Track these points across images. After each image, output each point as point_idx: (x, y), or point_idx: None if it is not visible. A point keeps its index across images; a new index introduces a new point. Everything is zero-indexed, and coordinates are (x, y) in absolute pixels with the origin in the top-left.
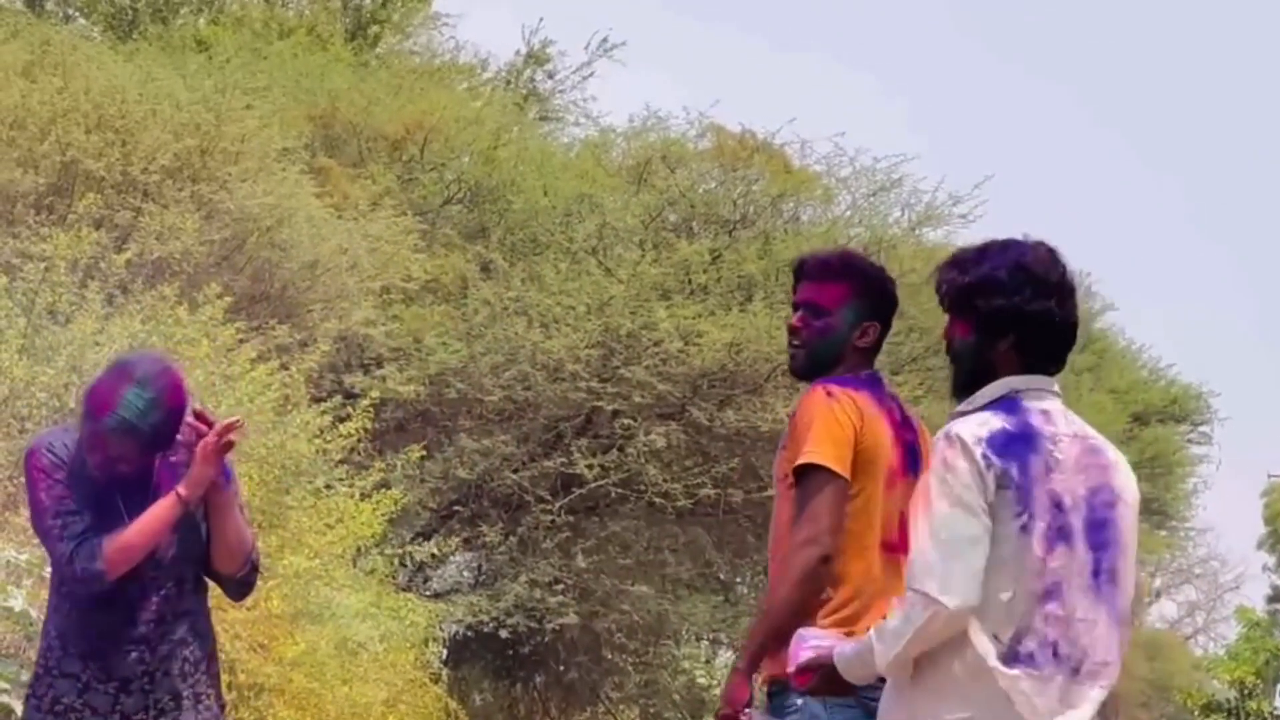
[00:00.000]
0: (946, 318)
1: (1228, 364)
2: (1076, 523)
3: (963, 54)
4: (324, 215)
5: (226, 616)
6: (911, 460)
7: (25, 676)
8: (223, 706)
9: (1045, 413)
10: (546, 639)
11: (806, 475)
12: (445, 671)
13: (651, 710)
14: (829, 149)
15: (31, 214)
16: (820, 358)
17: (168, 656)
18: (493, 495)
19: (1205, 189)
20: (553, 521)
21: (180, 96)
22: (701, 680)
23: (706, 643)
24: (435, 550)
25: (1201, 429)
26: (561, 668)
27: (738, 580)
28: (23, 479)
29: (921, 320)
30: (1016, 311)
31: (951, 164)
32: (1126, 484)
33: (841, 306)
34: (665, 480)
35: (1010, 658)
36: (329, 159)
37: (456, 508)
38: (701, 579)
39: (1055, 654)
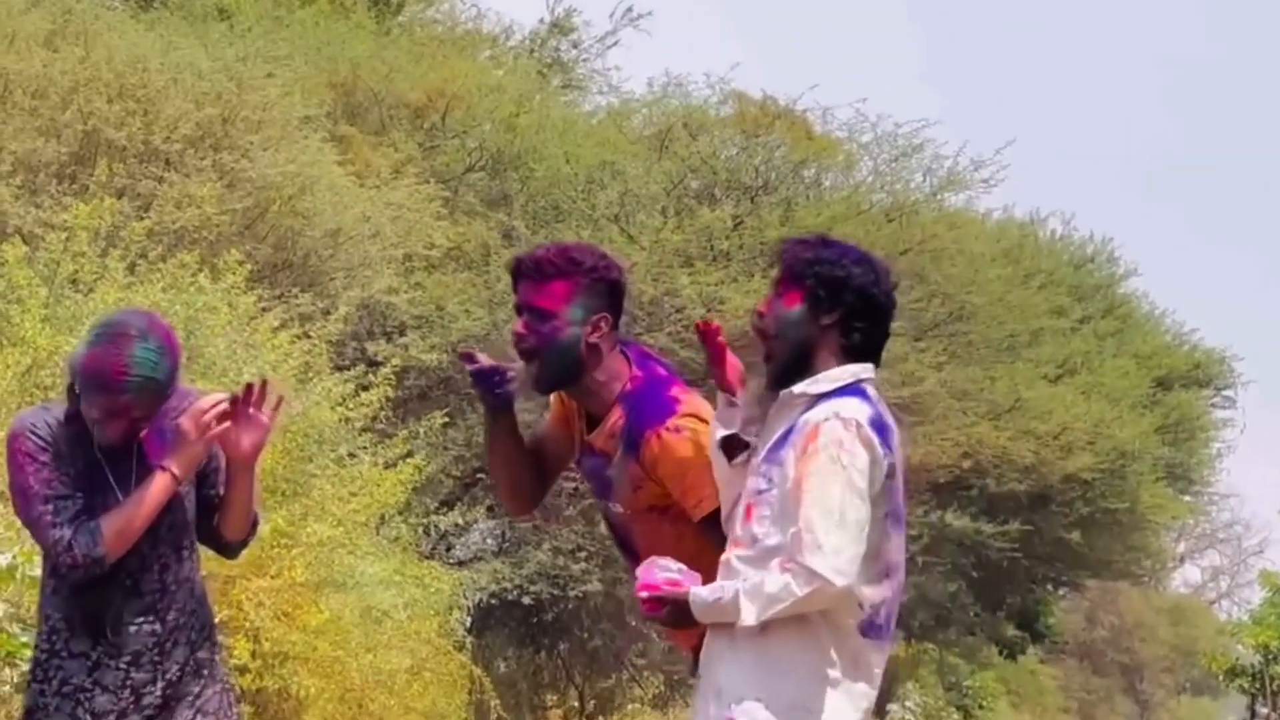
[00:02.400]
0: (771, 292)
1: (1252, 328)
2: (903, 506)
3: (984, 16)
4: (346, 183)
5: (251, 585)
6: None
7: None
8: (226, 673)
9: (884, 403)
10: (570, 606)
11: (709, 523)
12: (469, 639)
13: (676, 677)
14: (850, 115)
15: (53, 183)
16: (558, 365)
17: (176, 627)
18: None
19: (1229, 149)
20: (575, 488)
21: (202, 65)
22: None
23: None
24: (459, 518)
25: (1225, 393)
26: (585, 634)
27: None
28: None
29: (944, 286)
30: (859, 287)
31: (973, 128)
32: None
33: (566, 305)
34: None
35: (868, 627)
36: (351, 127)
37: (480, 475)
38: None
39: (890, 626)
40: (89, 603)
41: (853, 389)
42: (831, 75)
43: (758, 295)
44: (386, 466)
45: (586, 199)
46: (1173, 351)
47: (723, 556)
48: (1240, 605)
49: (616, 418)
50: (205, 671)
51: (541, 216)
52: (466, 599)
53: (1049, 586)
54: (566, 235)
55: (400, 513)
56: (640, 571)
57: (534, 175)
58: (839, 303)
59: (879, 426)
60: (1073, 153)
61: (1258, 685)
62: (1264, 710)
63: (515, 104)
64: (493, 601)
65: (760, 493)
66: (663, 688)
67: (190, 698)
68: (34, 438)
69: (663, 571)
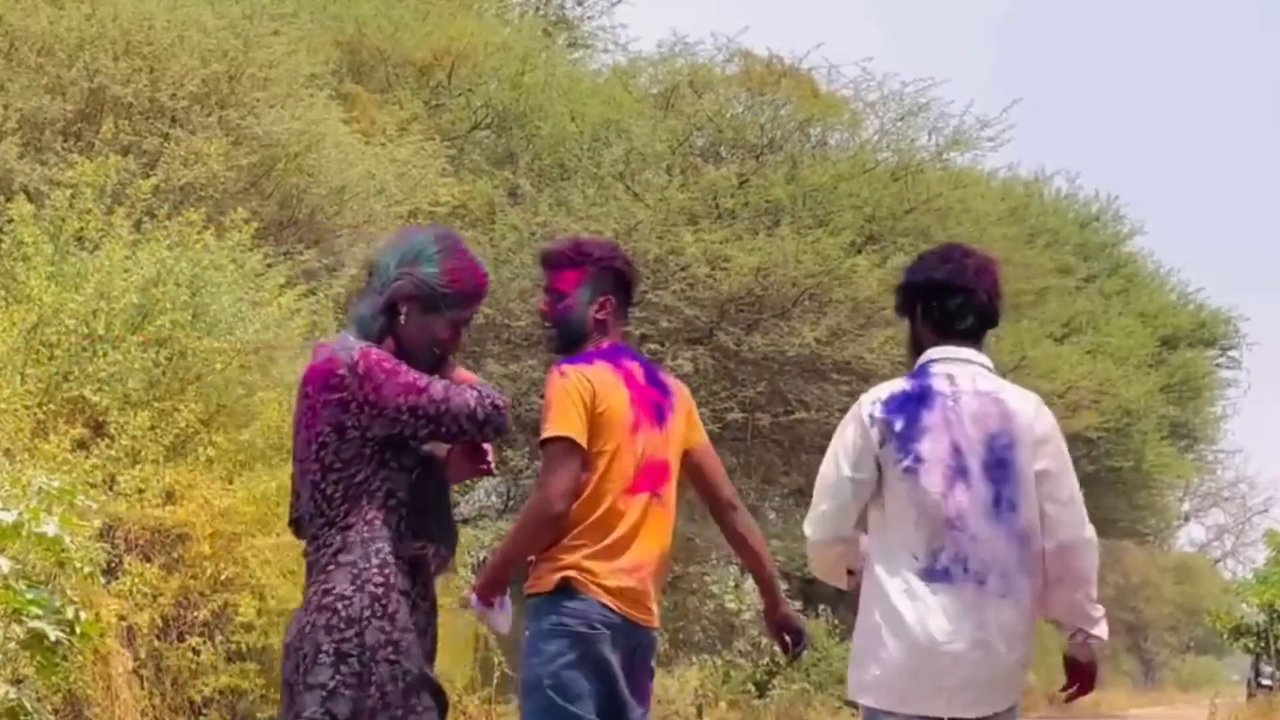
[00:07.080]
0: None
1: (1259, 288)
2: (974, 464)
3: None
4: (351, 141)
5: (256, 543)
6: (658, 414)
7: (58, 603)
8: None
9: (949, 376)
10: None
11: (546, 447)
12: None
13: (680, 635)
14: (856, 73)
15: (59, 140)
16: (568, 334)
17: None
18: (520, 420)
19: (1235, 108)
20: None
21: (208, 23)
22: (730, 605)
23: (735, 567)
24: None
25: (1230, 353)
26: None
27: (765, 504)
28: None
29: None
30: (910, 284)
31: (981, 87)
32: (1027, 429)
33: (577, 288)
34: None
35: (928, 574)
36: (356, 85)
37: None
38: None
39: (965, 569)
40: (415, 543)
41: (916, 371)
42: (837, 34)
43: (762, 253)
44: None
45: (592, 157)
46: (1178, 311)
47: None
48: (1245, 564)
49: None
50: None
51: (547, 174)
52: (471, 557)
53: None
54: (572, 193)
55: None
56: None
57: (539, 133)
58: (915, 299)
59: (899, 400)
60: (1079, 112)
61: (1262, 644)
62: (1269, 669)
63: (521, 62)
64: None
65: None
66: (666, 645)
67: None
68: (379, 349)
69: None
